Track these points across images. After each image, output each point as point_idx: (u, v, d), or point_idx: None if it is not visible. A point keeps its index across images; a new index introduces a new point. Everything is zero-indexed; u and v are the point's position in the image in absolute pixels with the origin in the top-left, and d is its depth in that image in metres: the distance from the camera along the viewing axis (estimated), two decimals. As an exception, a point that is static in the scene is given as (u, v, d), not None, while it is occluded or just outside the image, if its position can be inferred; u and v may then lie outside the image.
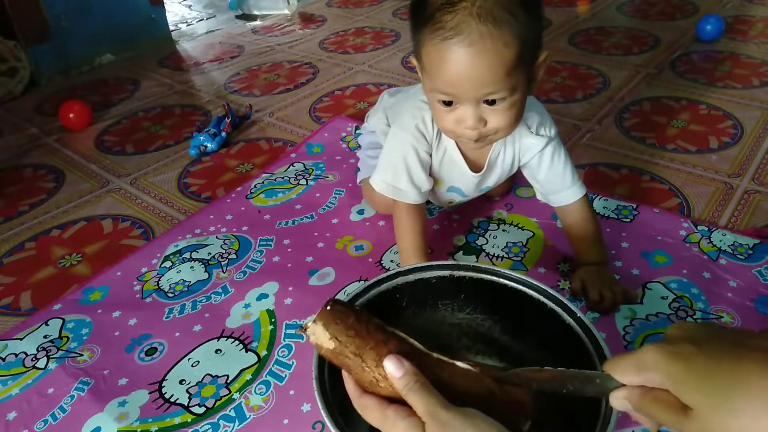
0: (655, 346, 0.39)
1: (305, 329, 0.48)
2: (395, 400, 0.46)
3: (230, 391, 0.76)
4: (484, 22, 0.64)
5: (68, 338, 0.86)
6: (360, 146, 1.12)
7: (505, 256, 0.95)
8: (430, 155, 0.85)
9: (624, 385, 0.41)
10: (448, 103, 0.71)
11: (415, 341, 0.48)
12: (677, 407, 0.37)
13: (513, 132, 0.79)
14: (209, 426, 0.72)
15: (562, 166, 0.86)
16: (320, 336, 0.47)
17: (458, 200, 0.96)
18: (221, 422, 0.73)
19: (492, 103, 0.69)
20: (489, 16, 0.64)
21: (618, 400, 0.41)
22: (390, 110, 0.97)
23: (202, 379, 0.78)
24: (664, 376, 0.37)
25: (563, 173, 0.86)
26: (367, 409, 0.47)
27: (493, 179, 0.90)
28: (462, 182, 0.89)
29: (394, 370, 0.45)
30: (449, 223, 1.03)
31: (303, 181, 1.18)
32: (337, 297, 0.50)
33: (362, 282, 0.73)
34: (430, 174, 0.87)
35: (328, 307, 0.48)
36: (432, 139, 0.84)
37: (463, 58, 0.65)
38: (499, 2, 0.64)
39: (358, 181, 1.08)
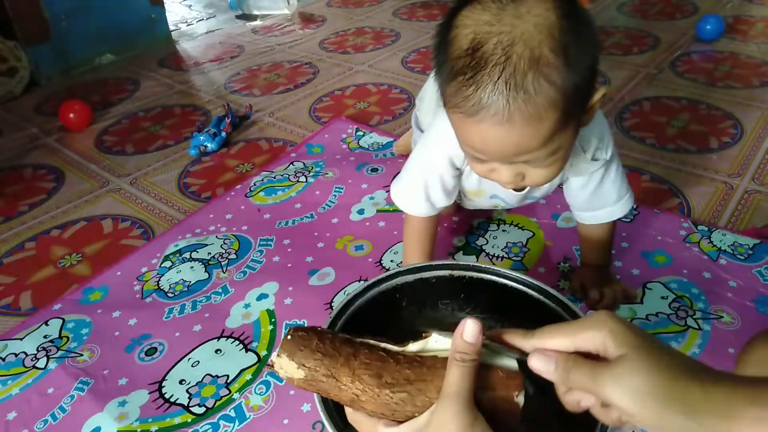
0: (600, 311, 0.40)
1: (272, 365, 0.46)
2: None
3: (230, 391, 0.76)
4: (513, 99, 0.51)
5: (68, 338, 0.86)
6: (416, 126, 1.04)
7: (505, 256, 0.95)
8: (458, 175, 0.79)
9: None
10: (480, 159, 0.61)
11: (388, 344, 0.47)
12: (594, 364, 0.39)
13: None
14: (209, 426, 0.72)
15: (610, 183, 0.78)
16: (288, 368, 0.45)
17: (502, 206, 0.91)
18: (221, 422, 0.73)
19: (531, 164, 0.59)
20: (519, 89, 0.51)
21: (540, 361, 0.42)
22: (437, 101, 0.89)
23: (202, 379, 0.78)
24: (606, 332, 0.38)
25: (609, 191, 0.78)
26: (359, 424, 0.47)
27: (541, 192, 0.82)
28: (505, 193, 0.82)
29: (471, 331, 0.43)
30: (449, 223, 1.03)
31: (302, 179, 1.18)
32: (299, 325, 0.50)
33: (362, 282, 0.73)
34: (467, 187, 0.82)
35: (289, 337, 0.46)
36: (464, 164, 0.76)
37: (490, 134, 0.55)
38: (533, 66, 0.51)
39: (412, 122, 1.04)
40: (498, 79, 0.51)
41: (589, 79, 0.55)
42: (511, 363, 0.45)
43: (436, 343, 0.46)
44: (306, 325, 0.83)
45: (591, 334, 0.39)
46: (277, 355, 0.45)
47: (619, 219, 0.82)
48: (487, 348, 0.46)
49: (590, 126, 0.64)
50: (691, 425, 0.35)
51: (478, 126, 0.54)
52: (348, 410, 0.48)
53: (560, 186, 0.84)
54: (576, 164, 0.74)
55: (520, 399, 0.44)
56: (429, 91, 0.95)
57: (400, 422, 0.45)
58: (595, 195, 0.79)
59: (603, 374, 0.38)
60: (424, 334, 0.47)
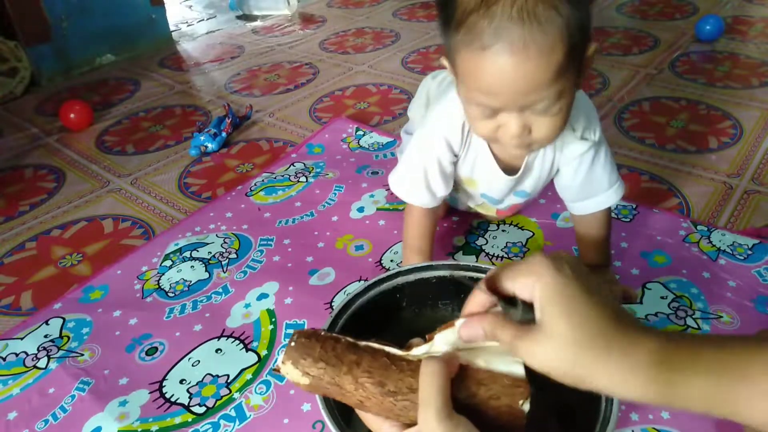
0: (542, 256, 0.41)
1: (278, 370, 0.47)
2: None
3: (231, 391, 0.76)
4: (528, 27, 0.55)
5: (69, 338, 0.86)
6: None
7: (505, 256, 0.95)
8: (455, 162, 0.81)
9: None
10: (489, 113, 0.63)
11: (393, 348, 0.46)
12: (516, 330, 0.41)
13: None
14: (210, 425, 0.72)
15: (601, 168, 0.79)
16: (293, 374, 0.46)
17: (489, 207, 0.92)
18: (222, 422, 0.73)
19: (540, 110, 0.62)
20: (532, 18, 0.55)
21: (467, 331, 0.44)
22: (433, 96, 0.91)
23: (203, 378, 0.78)
24: (538, 289, 0.40)
25: (601, 177, 0.80)
26: (366, 419, 0.48)
27: (530, 183, 0.83)
28: (494, 187, 0.84)
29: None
30: (449, 223, 1.04)
31: (303, 179, 1.18)
32: (304, 329, 0.50)
33: (362, 282, 0.73)
34: (460, 175, 0.84)
35: (292, 344, 0.46)
36: (460, 147, 0.78)
37: (505, 67, 0.57)
38: None
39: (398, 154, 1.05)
40: (511, 9, 0.55)
41: (586, 18, 0.60)
42: (518, 369, 0.44)
43: (440, 346, 0.46)
44: (306, 326, 0.84)
45: (525, 282, 0.41)
46: (282, 362, 0.46)
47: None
48: (491, 350, 0.45)
49: (576, 106, 0.67)
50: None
51: (493, 59, 0.57)
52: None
53: (552, 184, 0.85)
54: (566, 145, 0.76)
55: (525, 406, 0.44)
56: (420, 96, 0.96)
57: (406, 425, 0.45)
58: (588, 181, 0.80)
59: (520, 342, 0.40)
60: (428, 337, 0.47)
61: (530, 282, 0.40)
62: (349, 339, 0.47)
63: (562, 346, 0.38)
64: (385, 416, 0.46)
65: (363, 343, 0.47)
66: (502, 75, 0.58)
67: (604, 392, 0.39)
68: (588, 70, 0.65)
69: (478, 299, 0.45)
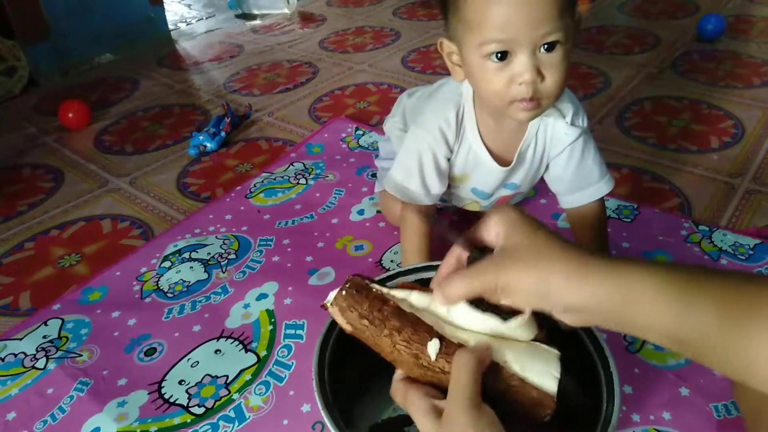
0: (503, 204, 0.49)
1: (325, 308, 0.49)
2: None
3: (230, 392, 0.76)
4: None
5: (67, 338, 0.86)
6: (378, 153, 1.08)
7: (506, 256, 0.95)
8: (449, 159, 0.81)
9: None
10: (502, 57, 0.64)
11: (434, 325, 0.48)
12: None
13: (546, 121, 0.77)
14: (209, 426, 0.72)
15: (591, 159, 0.81)
16: (337, 318, 0.49)
17: (482, 204, 0.91)
18: (221, 423, 0.72)
19: (550, 49, 0.63)
20: None
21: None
22: (410, 111, 0.93)
23: (202, 379, 0.78)
24: (501, 217, 0.46)
25: (592, 168, 0.82)
26: (396, 392, 0.49)
27: (520, 175, 0.84)
28: (486, 181, 0.84)
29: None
30: (449, 222, 1.03)
31: (303, 181, 1.18)
32: (356, 275, 0.51)
33: (362, 282, 0.72)
34: (454, 172, 0.84)
35: (343, 292, 0.49)
36: (454, 140, 0.79)
37: None
38: None
39: (375, 190, 1.06)
40: None
41: None
42: (549, 383, 0.45)
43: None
44: (306, 326, 0.84)
45: (490, 223, 0.47)
46: (331, 305, 0.49)
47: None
48: (527, 354, 0.47)
49: (562, 97, 0.74)
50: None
51: None
52: (396, 377, 0.50)
53: (543, 182, 0.86)
54: (557, 132, 0.78)
55: (546, 418, 0.45)
56: (396, 113, 0.99)
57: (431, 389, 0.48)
58: (580, 172, 0.81)
59: (494, 268, 0.45)
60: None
61: (494, 220, 0.46)
62: (397, 305, 0.49)
63: (523, 254, 0.43)
64: (411, 377, 0.48)
65: (410, 311, 0.48)
66: (516, 5, 0.61)
67: (565, 303, 0.42)
68: (579, 30, 0.68)
69: (449, 262, 0.50)
